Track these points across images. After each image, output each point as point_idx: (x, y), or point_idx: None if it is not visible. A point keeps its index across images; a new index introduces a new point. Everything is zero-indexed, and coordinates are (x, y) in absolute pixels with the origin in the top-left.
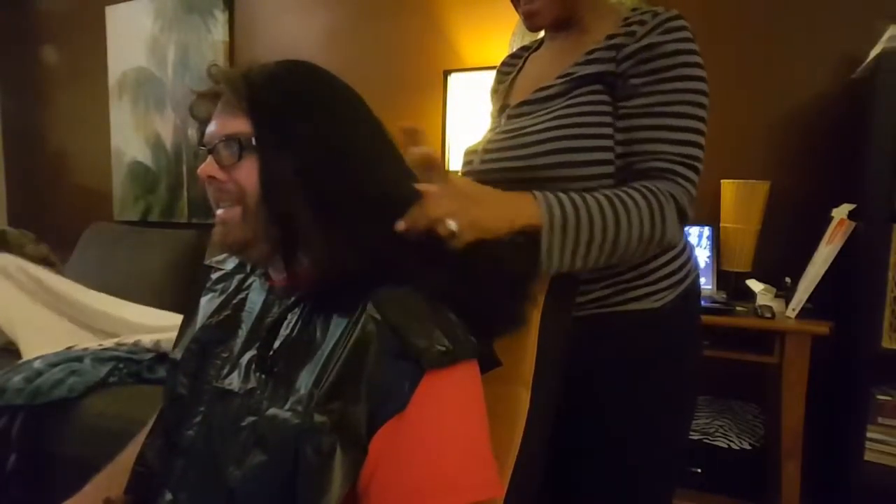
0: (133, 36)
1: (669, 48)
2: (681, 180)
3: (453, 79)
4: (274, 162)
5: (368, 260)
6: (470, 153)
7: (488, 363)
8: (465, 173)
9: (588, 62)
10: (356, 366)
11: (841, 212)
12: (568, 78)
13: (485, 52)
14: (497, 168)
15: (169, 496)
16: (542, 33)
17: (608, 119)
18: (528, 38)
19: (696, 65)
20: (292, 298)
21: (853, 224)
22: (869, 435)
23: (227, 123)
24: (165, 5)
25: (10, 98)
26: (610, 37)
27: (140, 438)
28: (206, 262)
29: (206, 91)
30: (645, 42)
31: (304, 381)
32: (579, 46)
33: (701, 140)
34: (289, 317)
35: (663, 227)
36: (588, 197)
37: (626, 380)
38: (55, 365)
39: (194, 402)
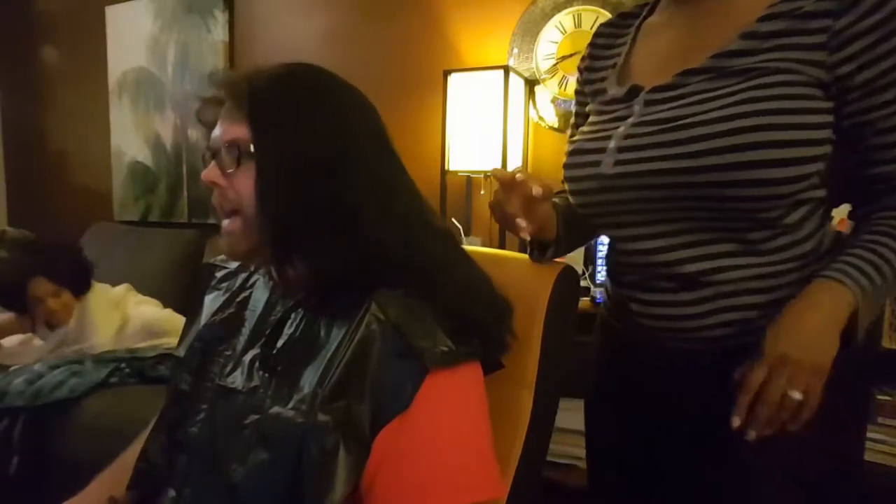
0: (133, 36)
1: None
2: None
3: (453, 79)
4: (270, 168)
5: (362, 268)
6: (587, 152)
7: (491, 365)
8: (586, 177)
9: (772, 35)
10: (360, 365)
11: (841, 212)
12: (755, 61)
13: (485, 52)
14: (646, 171)
15: (172, 493)
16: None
17: (813, 105)
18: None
19: None
20: (295, 298)
21: (853, 224)
22: (869, 435)
23: (228, 129)
24: (165, 5)
25: (10, 98)
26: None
27: (143, 437)
28: (211, 260)
29: (209, 97)
30: (872, 18)
31: (308, 379)
32: (733, 11)
33: None
34: (292, 315)
35: None
36: (875, 246)
37: None
38: (56, 367)
39: (197, 400)
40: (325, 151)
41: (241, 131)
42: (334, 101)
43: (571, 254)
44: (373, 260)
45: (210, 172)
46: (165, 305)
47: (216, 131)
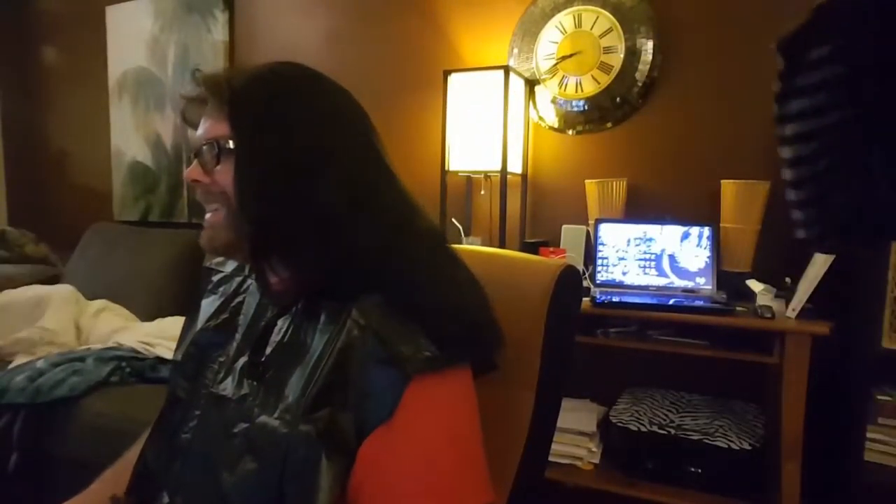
0: (133, 36)
1: None
2: None
3: (453, 79)
4: (248, 166)
5: (340, 271)
6: None
7: (482, 367)
8: None
9: None
10: (342, 373)
11: None
12: None
13: (485, 52)
14: None
15: (166, 498)
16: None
17: None
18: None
19: None
20: (282, 304)
21: None
22: (869, 435)
23: (211, 127)
24: (165, 5)
25: (10, 98)
26: None
27: (145, 437)
28: (207, 264)
29: (193, 96)
30: None
31: (293, 388)
32: None
33: None
34: (279, 322)
35: None
36: None
37: None
38: (57, 364)
39: (191, 406)
40: (303, 151)
41: (221, 129)
42: (316, 101)
43: (571, 253)
44: (351, 263)
45: (192, 171)
46: (165, 305)
47: (199, 130)
